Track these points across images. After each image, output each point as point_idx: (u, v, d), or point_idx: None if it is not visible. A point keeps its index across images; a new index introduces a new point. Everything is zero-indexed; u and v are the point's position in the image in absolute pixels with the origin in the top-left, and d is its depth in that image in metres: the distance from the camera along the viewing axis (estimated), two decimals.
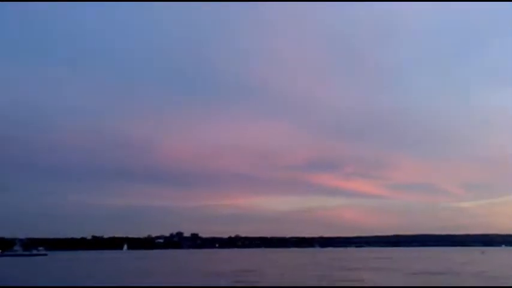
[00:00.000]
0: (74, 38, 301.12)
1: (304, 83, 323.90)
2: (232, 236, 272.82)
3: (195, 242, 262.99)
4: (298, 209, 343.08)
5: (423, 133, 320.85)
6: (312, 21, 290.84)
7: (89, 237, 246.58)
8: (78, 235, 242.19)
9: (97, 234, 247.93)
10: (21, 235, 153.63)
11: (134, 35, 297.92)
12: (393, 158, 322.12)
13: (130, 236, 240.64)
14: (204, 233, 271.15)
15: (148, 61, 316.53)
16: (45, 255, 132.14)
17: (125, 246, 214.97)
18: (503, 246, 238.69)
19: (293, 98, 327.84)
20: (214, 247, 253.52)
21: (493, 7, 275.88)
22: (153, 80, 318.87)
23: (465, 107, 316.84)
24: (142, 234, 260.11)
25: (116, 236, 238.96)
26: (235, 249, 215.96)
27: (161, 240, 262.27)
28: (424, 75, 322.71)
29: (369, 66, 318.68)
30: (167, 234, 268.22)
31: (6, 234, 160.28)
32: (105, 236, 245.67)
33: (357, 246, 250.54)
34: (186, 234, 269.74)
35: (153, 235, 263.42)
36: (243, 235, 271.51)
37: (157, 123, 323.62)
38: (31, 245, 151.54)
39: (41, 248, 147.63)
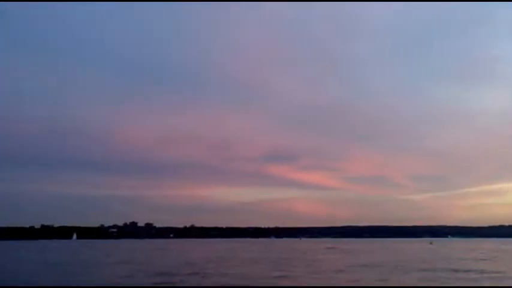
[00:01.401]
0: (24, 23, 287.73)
1: (264, 74, 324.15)
2: (188, 226, 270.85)
3: (150, 231, 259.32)
4: (254, 200, 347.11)
5: (377, 127, 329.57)
6: (272, 15, 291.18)
7: (38, 226, 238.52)
8: (26, 224, 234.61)
9: (46, 223, 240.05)
10: None
11: (90, 25, 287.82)
12: (347, 151, 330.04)
13: (82, 225, 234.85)
14: (159, 223, 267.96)
15: (105, 50, 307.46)
16: None
17: (74, 236, 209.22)
18: (449, 237, 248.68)
19: (253, 89, 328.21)
20: (168, 237, 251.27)
21: (447, 7, 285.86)
22: (110, 68, 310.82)
23: (418, 103, 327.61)
24: (94, 223, 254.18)
25: (67, 225, 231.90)
26: (189, 239, 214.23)
27: (114, 230, 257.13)
28: (380, 71, 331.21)
29: (327, 60, 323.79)
30: (121, 223, 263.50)
31: None
32: (55, 225, 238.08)
33: (310, 237, 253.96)
34: (141, 224, 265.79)
35: (106, 224, 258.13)
36: (199, 225, 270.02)
37: (112, 112, 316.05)
38: None
39: None
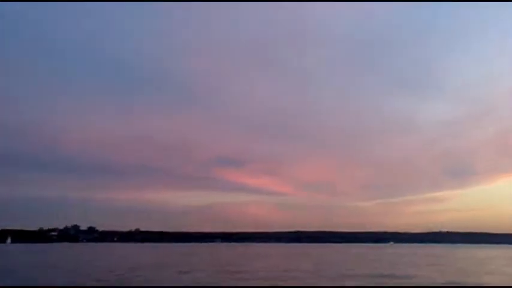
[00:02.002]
0: None
1: (216, 78, 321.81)
2: (133, 230, 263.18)
3: (92, 235, 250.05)
4: (203, 204, 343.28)
5: (328, 134, 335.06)
6: (227, 19, 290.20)
7: None
8: None
9: None
10: None
11: (28, 22, 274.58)
12: (298, 157, 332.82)
13: (19, 228, 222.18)
14: (102, 226, 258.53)
15: (54, 50, 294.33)
16: None
17: (9, 239, 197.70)
18: (391, 242, 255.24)
19: (204, 93, 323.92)
20: (112, 241, 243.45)
21: (399, 18, 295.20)
22: (58, 69, 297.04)
23: (368, 112, 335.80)
24: (33, 226, 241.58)
25: (3, 228, 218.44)
26: (133, 244, 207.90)
27: (55, 233, 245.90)
28: (335, 79, 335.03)
29: (282, 65, 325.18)
30: (62, 227, 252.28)
31: None
32: None
33: (258, 242, 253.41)
34: (83, 227, 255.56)
35: (46, 228, 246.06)
36: (145, 229, 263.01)
37: (55, 109, 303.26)
38: None
39: None
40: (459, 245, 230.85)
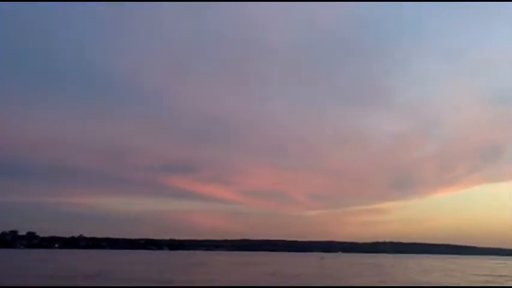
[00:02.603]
0: None
1: (167, 83, 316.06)
2: (76, 236, 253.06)
3: (31, 241, 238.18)
4: (150, 211, 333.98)
5: (277, 144, 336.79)
6: (175, 22, 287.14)
7: None
8: None
9: None
10: None
11: None
12: (247, 165, 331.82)
13: None
14: (43, 232, 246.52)
15: None
16: None
17: None
18: (339, 252, 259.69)
19: (155, 98, 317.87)
20: (53, 247, 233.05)
21: (352, 35, 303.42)
22: None
23: (319, 123, 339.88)
24: None
25: None
26: (75, 250, 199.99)
27: None
28: (286, 88, 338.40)
29: (234, 73, 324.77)
30: None
31: None
32: None
33: (206, 249, 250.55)
34: (22, 232, 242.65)
35: None
36: (88, 235, 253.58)
37: None
38: None
39: None
40: (402, 255, 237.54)
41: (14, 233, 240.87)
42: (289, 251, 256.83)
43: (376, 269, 64.82)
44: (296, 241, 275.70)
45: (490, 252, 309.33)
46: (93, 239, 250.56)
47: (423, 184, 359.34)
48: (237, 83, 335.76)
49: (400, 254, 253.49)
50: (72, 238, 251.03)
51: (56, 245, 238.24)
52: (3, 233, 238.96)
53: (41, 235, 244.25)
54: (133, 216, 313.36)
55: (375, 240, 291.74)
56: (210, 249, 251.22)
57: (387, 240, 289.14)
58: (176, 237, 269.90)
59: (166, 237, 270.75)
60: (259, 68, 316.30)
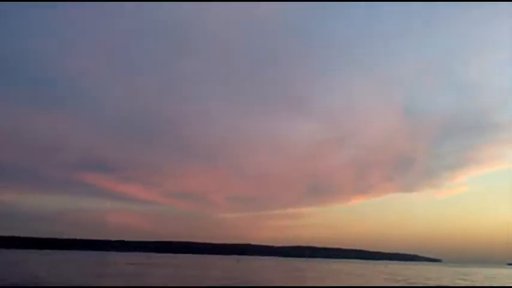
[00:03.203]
0: None
1: (91, 80, 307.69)
2: None
3: None
4: (62, 209, 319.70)
5: (200, 145, 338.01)
6: (108, 22, 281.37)
7: None
8: None
9: None
10: None
11: None
12: (168, 166, 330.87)
13: None
14: None
15: None
16: None
17: None
18: (256, 255, 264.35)
19: (81, 95, 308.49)
20: None
21: (279, 39, 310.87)
22: None
23: (242, 127, 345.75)
24: None
25: None
26: None
27: None
28: (210, 91, 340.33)
29: (160, 72, 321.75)
30: None
31: None
32: None
33: (123, 251, 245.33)
34: None
35: None
36: None
37: None
38: None
39: None
40: (317, 259, 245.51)
41: None
42: (206, 253, 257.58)
43: (287, 272, 67.43)
44: (214, 243, 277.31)
45: (400, 258, 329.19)
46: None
47: (339, 191, 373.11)
48: (162, 82, 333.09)
49: (315, 258, 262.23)
50: None
51: None
52: None
53: None
54: (45, 214, 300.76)
55: (291, 244, 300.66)
56: (126, 251, 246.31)
57: (303, 244, 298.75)
58: (92, 237, 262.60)
59: (81, 236, 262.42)
60: (185, 69, 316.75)
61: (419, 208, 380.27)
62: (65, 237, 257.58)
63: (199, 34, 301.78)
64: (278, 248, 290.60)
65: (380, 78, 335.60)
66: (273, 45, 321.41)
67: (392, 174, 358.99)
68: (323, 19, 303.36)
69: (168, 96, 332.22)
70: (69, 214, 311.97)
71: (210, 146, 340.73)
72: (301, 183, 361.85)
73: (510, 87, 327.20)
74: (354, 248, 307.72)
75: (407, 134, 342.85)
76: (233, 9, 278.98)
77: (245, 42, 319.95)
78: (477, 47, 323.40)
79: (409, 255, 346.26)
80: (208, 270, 64.41)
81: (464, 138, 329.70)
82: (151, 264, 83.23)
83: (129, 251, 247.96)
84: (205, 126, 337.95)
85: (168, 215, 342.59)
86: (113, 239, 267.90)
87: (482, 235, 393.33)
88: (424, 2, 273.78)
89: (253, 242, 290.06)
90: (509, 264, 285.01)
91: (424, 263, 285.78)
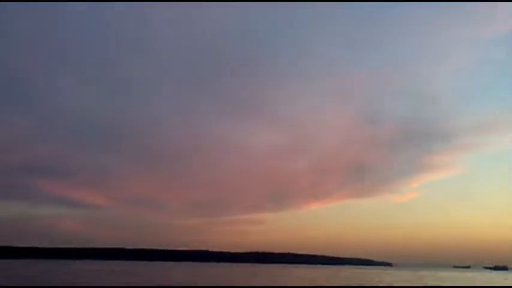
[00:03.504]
0: None
1: (43, 80, 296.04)
2: None
3: None
4: (7, 216, 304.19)
5: (157, 150, 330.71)
6: (65, 23, 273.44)
7: None
8: None
9: None
10: None
11: None
12: (124, 170, 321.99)
13: None
14: None
15: None
16: None
17: None
18: (212, 262, 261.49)
19: (29, 95, 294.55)
20: None
21: (244, 40, 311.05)
22: None
23: (200, 131, 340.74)
24: None
25: None
26: None
27: None
28: (167, 94, 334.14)
29: (114, 75, 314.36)
30: None
31: None
32: None
33: (76, 259, 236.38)
34: None
35: None
36: None
37: None
38: None
39: None
40: (274, 265, 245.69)
41: None
42: (161, 260, 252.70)
43: (242, 277, 66.88)
44: (170, 250, 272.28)
45: (355, 262, 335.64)
46: None
47: (297, 196, 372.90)
48: (117, 85, 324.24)
49: (272, 264, 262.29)
50: None
51: None
52: None
53: None
54: None
55: (248, 250, 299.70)
56: (78, 258, 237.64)
57: (260, 250, 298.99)
58: (41, 245, 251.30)
59: (31, 245, 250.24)
60: (139, 72, 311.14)
61: (373, 214, 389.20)
62: (7, 244, 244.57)
63: (153, 37, 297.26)
64: (235, 253, 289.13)
65: (339, 86, 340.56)
66: (230, 49, 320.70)
67: (348, 180, 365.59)
68: (285, 24, 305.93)
69: (121, 99, 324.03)
70: (15, 221, 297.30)
71: (166, 150, 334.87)
72: (258, 189, 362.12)
73: (464, 94, 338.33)
74: (310, 253, 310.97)
75: (363, 142, 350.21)
76: (189, 12, 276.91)
77: (201, 46, 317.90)
78: (432, 55, 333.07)
79: (364, 259, 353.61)
80: (163, 276, 63.27)
81: (418, 145, 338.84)
82: (99, 271, 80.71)
83: (81, 258, 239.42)
84: (161, 130, 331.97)
85: (122, 221, 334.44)
86: (63, 246, 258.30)
87: (431, 239, 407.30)
88: (377, 6, 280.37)
89: (209, 248, 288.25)
90: (455, 266, 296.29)
91: (378, 267, 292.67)
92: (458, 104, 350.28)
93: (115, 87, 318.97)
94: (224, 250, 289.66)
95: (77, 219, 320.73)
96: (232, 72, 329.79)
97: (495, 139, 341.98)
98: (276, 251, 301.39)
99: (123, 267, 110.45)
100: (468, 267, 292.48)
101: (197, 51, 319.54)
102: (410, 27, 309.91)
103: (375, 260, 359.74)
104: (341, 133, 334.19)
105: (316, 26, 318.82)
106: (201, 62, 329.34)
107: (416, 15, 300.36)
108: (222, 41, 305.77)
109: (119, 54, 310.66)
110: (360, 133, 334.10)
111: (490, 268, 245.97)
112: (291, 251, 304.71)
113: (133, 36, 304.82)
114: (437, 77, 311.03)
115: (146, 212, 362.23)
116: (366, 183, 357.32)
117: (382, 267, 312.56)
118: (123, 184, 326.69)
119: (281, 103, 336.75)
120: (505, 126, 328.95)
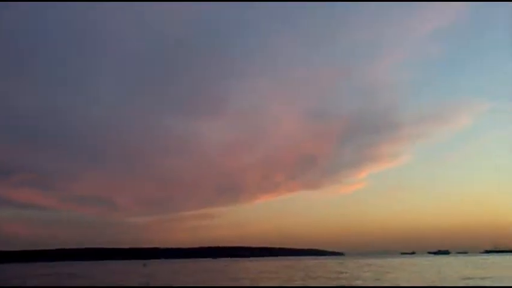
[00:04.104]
0: None
1: None
2: None
3: None
4: None
5: (106, 148, 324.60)
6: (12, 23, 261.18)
7: None
8: None
9: None
10: None
11: None
12: (73, 169, 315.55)
13: None
14: None
15: None
16: None
17: None
18: (162, 259, 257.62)
19: None
20: None
21: (190, 41, 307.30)
22: None
23: (150, 129, 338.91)
24: None
25: None
26: None
27: None
28: (118, 92, 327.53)
29: (65, 73, 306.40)
30: None
31: None
32: None
33: (22, 262, 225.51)
34: None
35: None
36: None
37: None
38: None
39: None
40: (226, 259, 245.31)
41: None
42: (112, 259, 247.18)
43: (196, 273, 65.78)
44: (120, 248, 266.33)
45: (307, 253, 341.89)
46: None
47: (247, 190, 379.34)
48: (68, 83, 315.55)
49: (224, 258, 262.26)
50: None
51: None
52: None
53: None
54: None
55: (200, 245, 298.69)
56: (24, 261, 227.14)
57: (212, 245, 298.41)
58: None
59: None
60: (94, 69, 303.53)
61: (322, 205, 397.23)
62: None
63: (108, 34, 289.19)
64: (187, 249, 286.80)
65: (287, 81, 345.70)
66: (185, 45, 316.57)
67: (297, 173, 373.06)
68: (234, 19, 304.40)
69: (72, 96, 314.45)
70: None
71: (116, 148, 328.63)
72: (210, 184, 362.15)
73: (407, 86, 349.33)
74: (262, 245, 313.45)
75: (311, 135, 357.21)
76: (146, 10, 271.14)
77: (156, 43, 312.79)
78: (375, 48, 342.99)
79: (316, 250, 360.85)
80: (111, 276, 61.46)
81: (365, 137, 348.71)
82: (48, 274, 77.38)
83: (29, 261, 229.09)
84: (111, 127, 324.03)
85: (70, 221, 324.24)
86: (9, 249, 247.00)
87: (379, 228, 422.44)
88: (327, 5, 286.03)
89: (161, 245, 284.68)
90: (403, 253, 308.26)
91: (330, 257, 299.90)
92: (403, 95, 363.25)
93: (63, 87, 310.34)
94: (175, 246, 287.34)
95: (24, 221, 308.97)
96: (184, 71, 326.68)
97: (437, 130, 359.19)
98: (227, 244, 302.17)
99: (69, 269, 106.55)
100: (413, 253, 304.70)
101: (149, 52, 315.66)
102: (358, 25, 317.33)
103: (328, 250, 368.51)
104: (289, 127, 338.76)
105: (267, 25, 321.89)
106: (154, 62, 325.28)
107: (364, 14, 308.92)
108: (174, 42, 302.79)
109: (66, 54, 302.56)
110: (309, 127, 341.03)
111: (434, 253, 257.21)
112: (243, 245, 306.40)
113: (85, 37, 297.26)
114: (383, 70, 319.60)
115: (98, 211, 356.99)
116: (314, 175, 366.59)
117: (334, 256, 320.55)
118: (71, 184, 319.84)
119: (230, 100, 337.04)
120: (445, 117, 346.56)
